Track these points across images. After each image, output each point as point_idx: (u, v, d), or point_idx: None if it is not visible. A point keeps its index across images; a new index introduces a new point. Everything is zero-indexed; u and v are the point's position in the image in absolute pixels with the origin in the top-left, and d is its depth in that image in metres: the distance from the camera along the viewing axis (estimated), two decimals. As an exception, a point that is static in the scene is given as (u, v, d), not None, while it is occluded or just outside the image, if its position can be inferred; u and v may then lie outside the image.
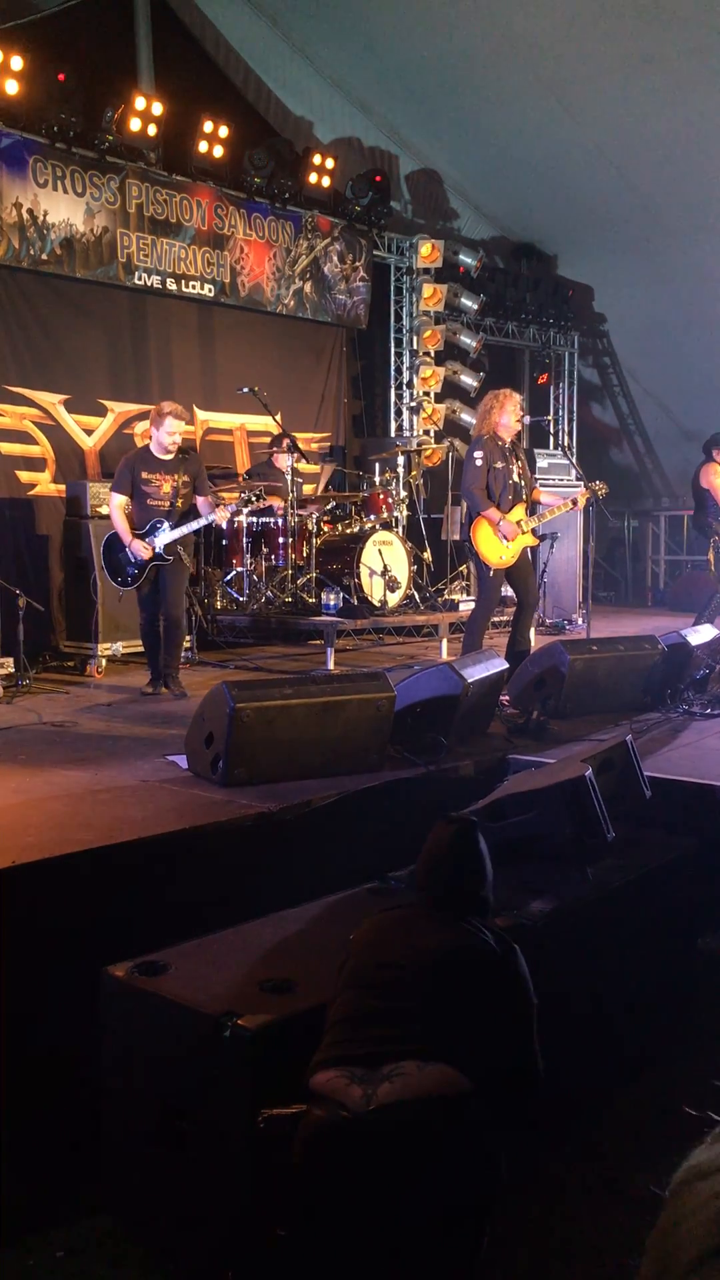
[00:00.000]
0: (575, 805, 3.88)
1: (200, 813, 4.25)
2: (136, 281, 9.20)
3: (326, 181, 10.59)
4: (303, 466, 9.37)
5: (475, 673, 5.25)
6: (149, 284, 9.30)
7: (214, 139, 9.60)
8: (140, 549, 6.65)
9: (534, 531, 7.07)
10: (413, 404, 12.01)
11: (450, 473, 10.61)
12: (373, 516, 9.08)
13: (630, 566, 14.32)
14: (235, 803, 4.35)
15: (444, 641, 8.77)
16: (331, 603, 8.24)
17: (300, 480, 9.04)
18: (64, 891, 3.63)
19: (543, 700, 6.03)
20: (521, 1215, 2.99)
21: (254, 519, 8.67)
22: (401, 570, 8.84)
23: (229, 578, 8.75)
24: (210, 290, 9.80)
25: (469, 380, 12.23)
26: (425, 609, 9.21)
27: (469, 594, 9.20)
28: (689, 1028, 4.15)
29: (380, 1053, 2.47)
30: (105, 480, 8.12)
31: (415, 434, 11.84)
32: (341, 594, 8.30)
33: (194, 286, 9.66)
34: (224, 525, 8.21)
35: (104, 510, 7.70)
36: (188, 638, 7.61)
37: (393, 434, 11.82)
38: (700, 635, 6.86)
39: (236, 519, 8.47)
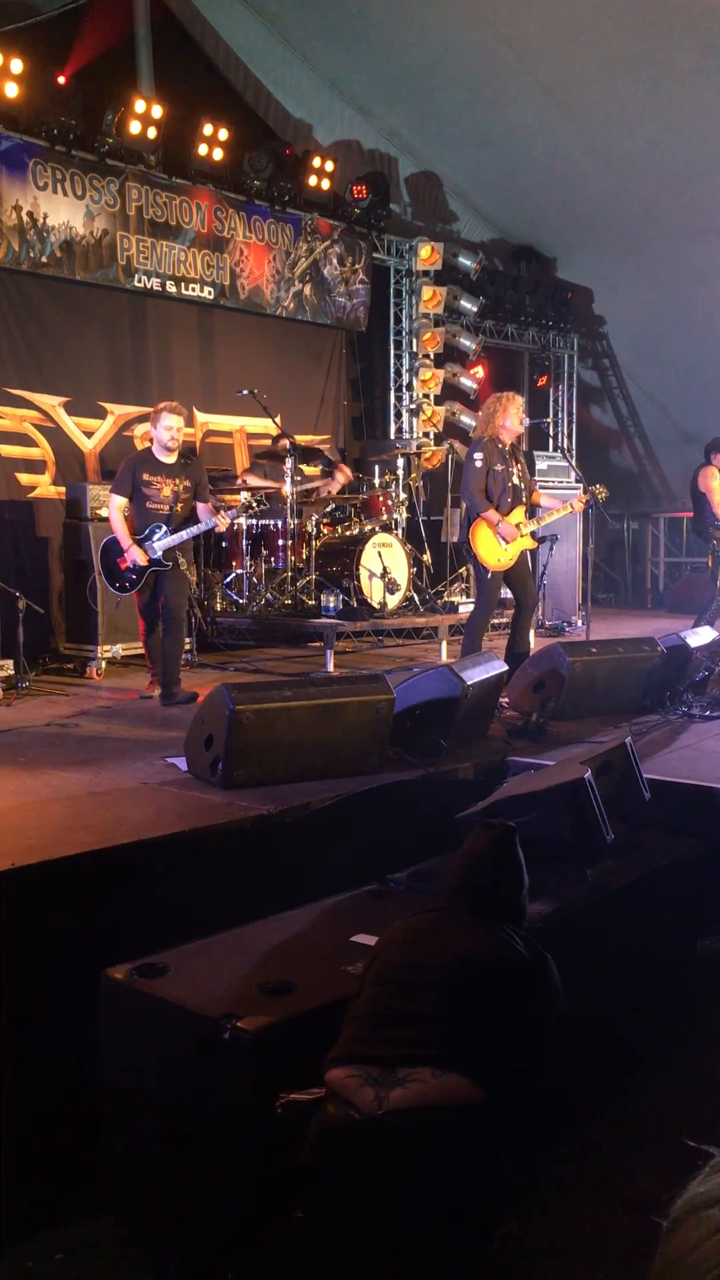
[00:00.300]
0: (575, 807, 3.89)
1: (200, 815, 4.25)
2: (136, 284, 9.21)
3: (326, 184, 10.61)
4: (304, 468, 9.38)
5: (474, 675, 5.26)
6: (149, 286, 9.31)
7: (214, 142, 9.62)
8: (137, 554, 6.57)
9: (533, 534, 7.08)
10: (412, 406, 12.02)
11: (450, 475, 10.62)
12: (372, 519, 9.09)
13: (629, 569, 14.33)
14: (235, 805, 4.36)
15: (443, 644, 8.78)
16: (331, 605, 8.25)
17: (302, 482, 9.05)
18: (64, 893, 3.64)
19: (542, 702, 6.03)
20: (521, 1216, 2.99)
21: (254, 521, 8.68)
22: (401, 572, 8.85)
23: (229, 580, 8.76)
24: (210, 293, 9.81)
25: (468, 382, 12.25)
26: (425, 611, 9.22)
27: (468, 596, 9.21)
28: (689, 1029, 4.16)
29: (397, 1055, 2.47)
30: (105, 482, 8.12)
31: (415, 436, 11.85)
32: (341, 596, 8.31)
33: (194, 289, 9.67)
34: (215, 527, 8.17)
35: (104, 513, 7.69)
36: (187, 640, 7.60)
37: (392, 436, 11.83)
38: (699, 637, 6.87)
39: (235, 521, 8.46)
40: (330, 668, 7.78)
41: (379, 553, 8.71)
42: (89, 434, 9.05)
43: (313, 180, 10.47)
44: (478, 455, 6.89)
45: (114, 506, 6.69)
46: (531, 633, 7.76)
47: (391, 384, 12.08)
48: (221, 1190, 2.73)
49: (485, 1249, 2.54)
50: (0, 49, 8.07)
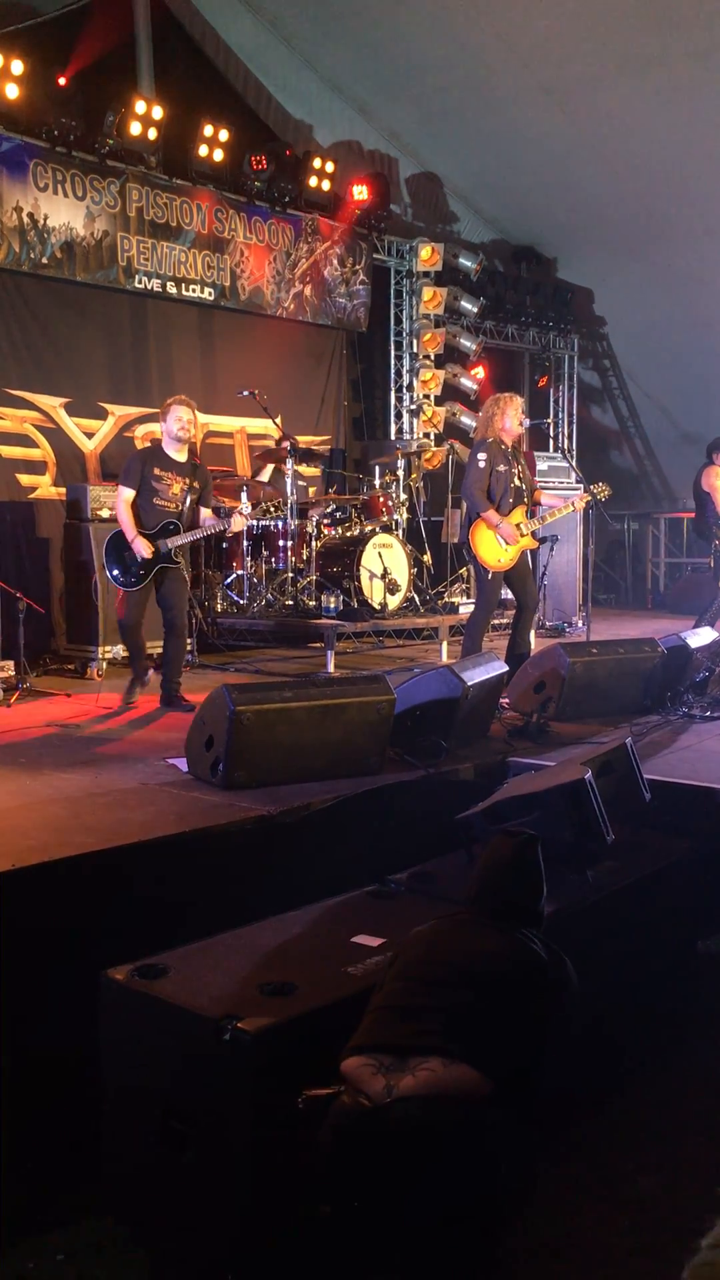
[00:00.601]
0: (575, 808, 3.89)
1: (200, 816, 4.25)
2: (137, 285, 9.22)
3: (326, 185, 10.61)
4: (303, 469, 9.38)
5: (475, 675, 5.26)
6: (149, 287, 9.32)
7: (214, 143, 9.63)
8: (142, 546, 6.38)
9: (534, 534, 7.08)
10: (413, 407, 12.02)
11: (450, 475, 10.62)
12: (373, 519, 9.09)
13: (630, 569, 14.33)
14: (235, 805, 4.36)
15: (444, 644, 8.78)
16: (331, 605, 8.25)
17: (303, 484, 9.06)
18: (64, 894, 3.64)
19: (542, 703, 6.03)
20: (521, 1215, 2.99)
21: (254, 522, 8.68)
22: (401, 573, 8.85)
23: (229, 580, 8.76)
24: (210, 293, 9.82)
25: (469, 383, 12.25)
26: (425, 612, 9.22)
27: (469, 597, 9.21)
28: (689, 1029, 4.15)
29: (411, 1045, 2.53)
30: (105, 483, 8.14)
31: (415, 437, 11.85)
32: (341, 597, 8.31)
33: (194, 290, 9.67)
34: (228, 529, 8.14)
35: (104, 513, 7.70)
36: (188, 641, 7.58)
37: (393, 437, 11.84)
38: (700, 638, 6.87)
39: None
40: (331, 668, 7.78)
41: (379, 553, 8.72)
42: (90, 435, 9.05)
43: (313, 181, 10.48)
44: (481, 455, 6.89)
45: (121, 499, 6.48)
46: (532, 633, 7.75)
47: (392, 384, 12.08)
48: (221, 1191, 2.73)
49: (486, 1249, 2.54)
50: (1, 50, 8.08)
